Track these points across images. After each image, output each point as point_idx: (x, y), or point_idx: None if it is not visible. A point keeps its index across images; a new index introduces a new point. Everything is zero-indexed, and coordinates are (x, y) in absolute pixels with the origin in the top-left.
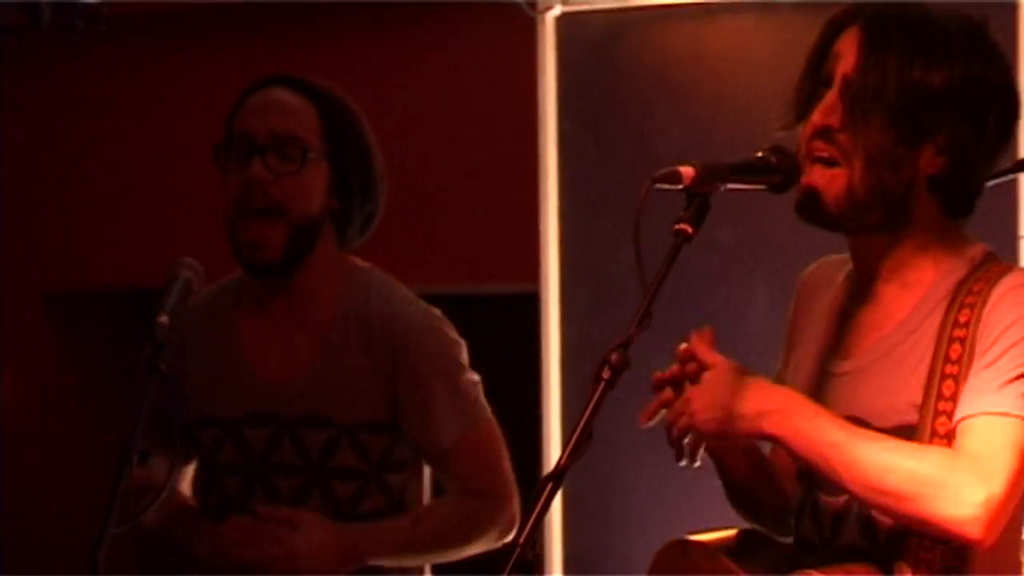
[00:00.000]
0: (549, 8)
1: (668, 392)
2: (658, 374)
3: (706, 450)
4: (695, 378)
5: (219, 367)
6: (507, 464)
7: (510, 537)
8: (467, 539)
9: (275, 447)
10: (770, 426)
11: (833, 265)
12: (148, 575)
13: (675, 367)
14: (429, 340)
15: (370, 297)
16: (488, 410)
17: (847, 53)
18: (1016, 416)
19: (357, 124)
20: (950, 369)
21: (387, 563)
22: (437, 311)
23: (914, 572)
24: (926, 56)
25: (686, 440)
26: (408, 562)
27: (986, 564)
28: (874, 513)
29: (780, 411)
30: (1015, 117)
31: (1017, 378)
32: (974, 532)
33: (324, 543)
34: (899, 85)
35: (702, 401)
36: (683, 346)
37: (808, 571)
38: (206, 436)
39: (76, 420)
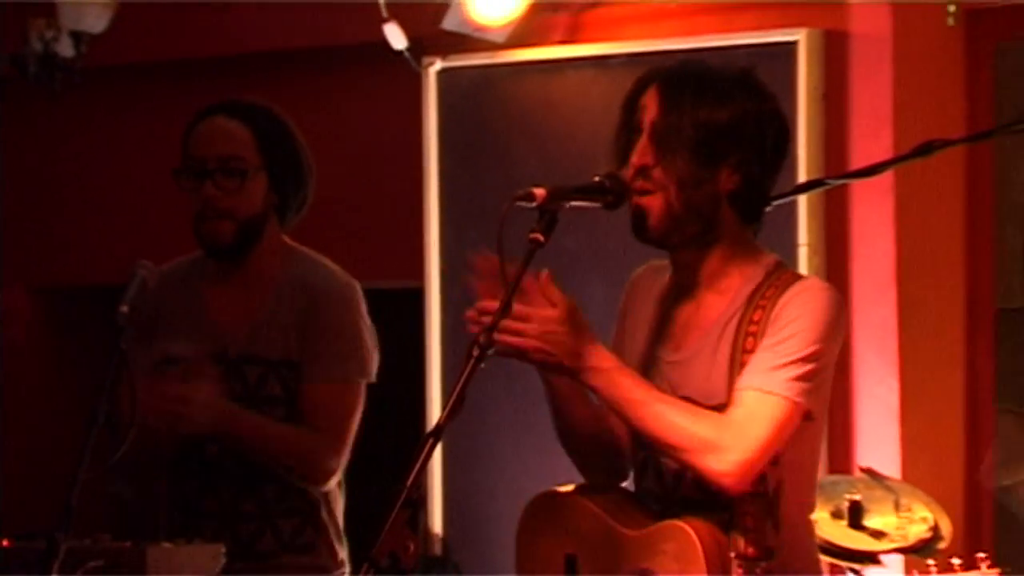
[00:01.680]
0: (432, 64)
1: (493, 304)
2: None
3: (553, 392)
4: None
5: (186, 318)
6: (353, 425)
7: (309, 475)
8: (293, 454)
9: (224, 380)
10: (589, 377)
11: (656, 269)
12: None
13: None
14: (338, 295)
15: (304, 268)
16: (368, 374)
17: (651, 105)
18: (778, 396)
19: (285, 132)
20: (746, 358)
21: (244, 444)
22: (351, 278)
23: (739, 523)
24: (711, 99)
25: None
26: (258, 450)
27: (791, 514)
28: None
29: (600, 368)
30: (786, 139)
31: (787, 364)
32: (728, 483)
33: (211, 399)
34: (694, 123)
35: (543, 336)
36: (481, 259)
37: (676, 520)
38: (170, 369)
39: (63, 402)
